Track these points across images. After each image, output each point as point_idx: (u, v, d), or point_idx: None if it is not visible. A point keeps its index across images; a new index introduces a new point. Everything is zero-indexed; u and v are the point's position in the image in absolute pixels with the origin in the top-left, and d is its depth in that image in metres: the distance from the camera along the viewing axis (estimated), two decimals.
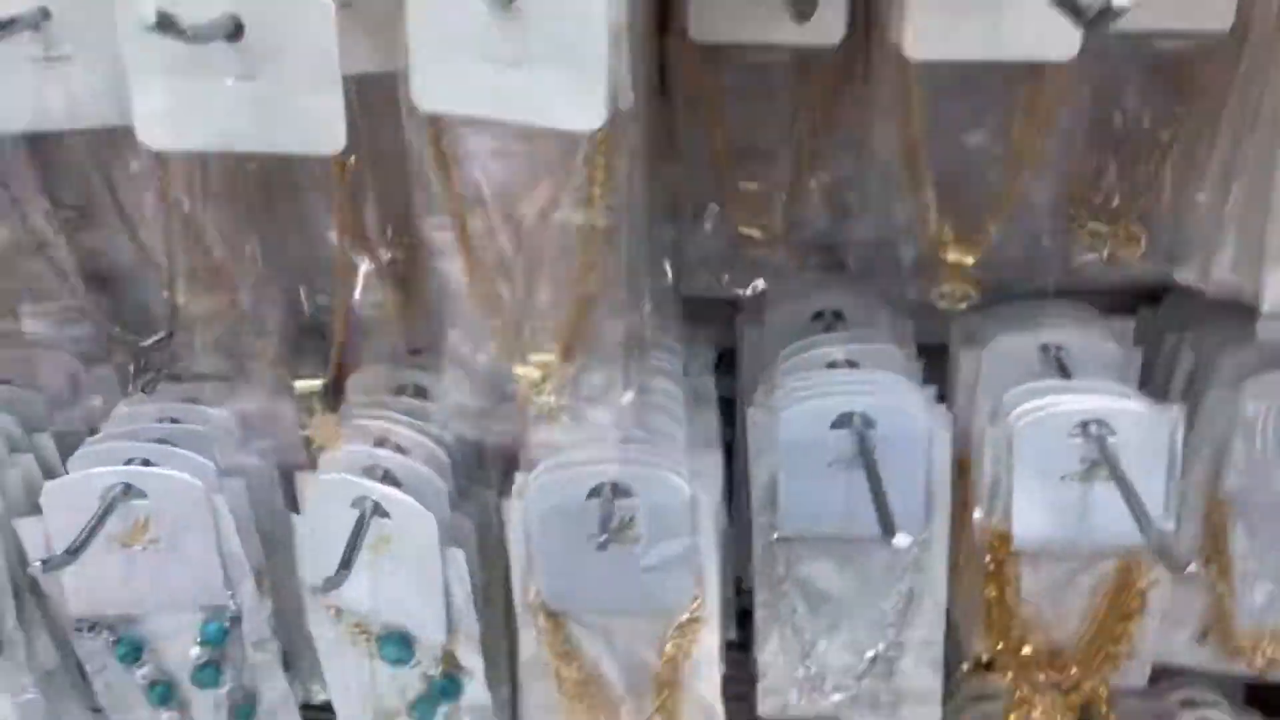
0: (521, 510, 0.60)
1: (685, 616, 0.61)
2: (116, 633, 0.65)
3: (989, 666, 0.71)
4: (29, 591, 0.64)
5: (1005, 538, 0.65)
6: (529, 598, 0.62)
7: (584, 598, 0.61)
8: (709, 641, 0.62)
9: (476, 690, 0.64)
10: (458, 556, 0.60)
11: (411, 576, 0.61)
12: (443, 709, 0.65)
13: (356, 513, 0.59)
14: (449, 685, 0.64)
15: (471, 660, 0.63)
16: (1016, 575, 0.67)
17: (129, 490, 0.60)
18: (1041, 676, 0.70)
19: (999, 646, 0.69)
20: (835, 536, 0.65)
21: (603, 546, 0.58)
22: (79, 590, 0.63)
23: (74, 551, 0.56)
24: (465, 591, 0.61)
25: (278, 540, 0.65)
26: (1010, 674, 0.70)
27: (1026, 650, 0.69)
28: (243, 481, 0.62)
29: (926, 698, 0.69)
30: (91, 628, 0.64)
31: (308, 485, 0.62)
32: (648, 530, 0.59)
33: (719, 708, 0.63)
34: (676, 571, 0.60)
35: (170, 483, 0.60)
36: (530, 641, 0.63)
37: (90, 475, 0.60)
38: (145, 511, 0.61)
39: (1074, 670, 0.70)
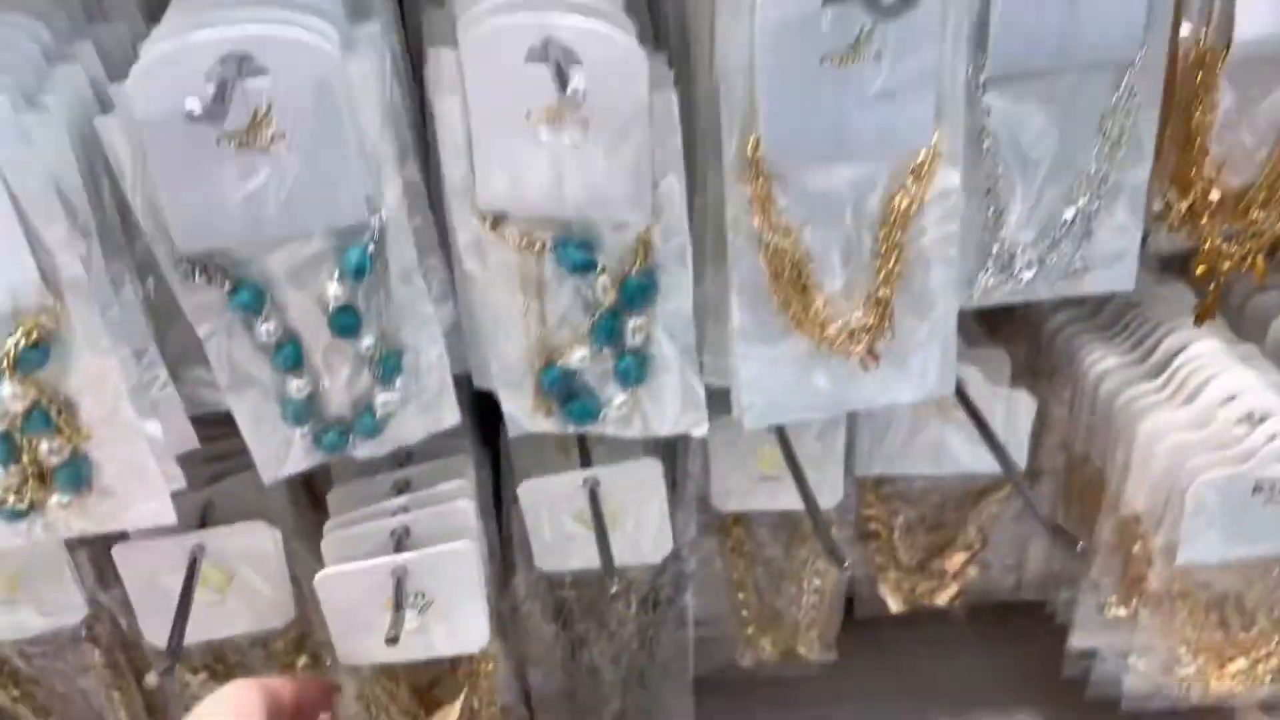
0: (742, 36, 0.49)
1: (923, 155, 0.53)
2: (233, 276, 0.52)
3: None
4: (108, 228, 0.51)
5: (1215, 54, 0.59)
6: (747, 151, 0.52)
7: (811, 140, 0.52)
8: (949, 181, 0.54)
9: (678, 289, 0.55)
10: (668, 101, 0.49)
11: (604, 143, 0.50)
12: (633, 323, 0.56)
13: (531, 70, 0.48)
14: (645, 286, 0.54)
15: (674, 246, 0.53)
16: (1218, 102, 0.61)
17: (242, 67, 0.47)
18: (1227, 225, 0.66)
19: (1191, 194, 0.64)
20: (1049, 70, 0.57)
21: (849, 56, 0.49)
22: (186, 217, 0.49)
23: (221, 105, 0.43)
24: (675, 148, 0.51)
25: None
26: (1204, 220, 0.65)
27: (1214, 196, 0.65)
28: (375, 50, 0.50)
29: (1124, 255, 0.64)
30: (203, 270, 0.51)
31: (457, 53, 0.50)
32: (890, 41, 0.50)
33: (953, 255, 0.56)
34: (918, 97, 0.52)
35: (298, 50, 0.47)
36: (741, 213, 0.54)
37: (189, 45, 0.46)
38: (265, 96, 0.47)
39: (1259, 215, 0.66)
